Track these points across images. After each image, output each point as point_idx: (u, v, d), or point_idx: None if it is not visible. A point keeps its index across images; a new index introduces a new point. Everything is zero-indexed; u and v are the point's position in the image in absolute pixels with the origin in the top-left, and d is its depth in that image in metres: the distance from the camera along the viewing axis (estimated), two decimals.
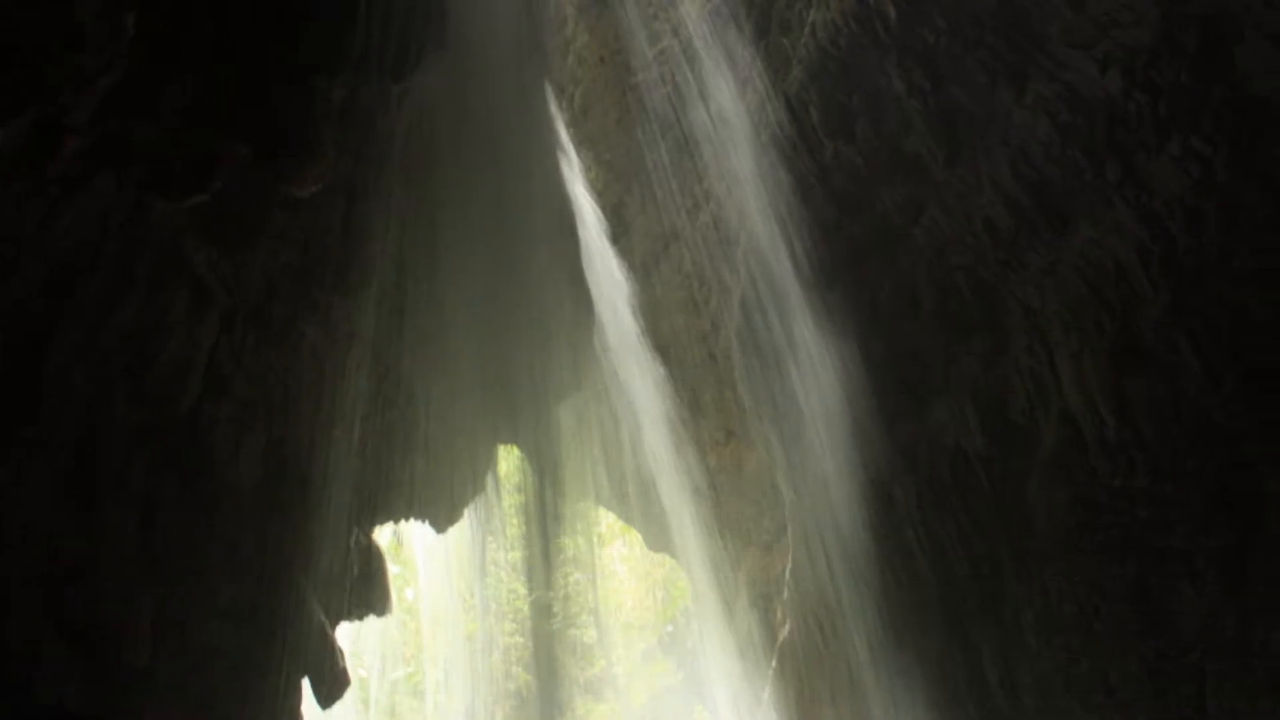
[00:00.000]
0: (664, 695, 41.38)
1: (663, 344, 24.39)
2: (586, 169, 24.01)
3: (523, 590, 33.15)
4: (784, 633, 22.78)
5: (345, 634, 22.97)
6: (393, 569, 24.06)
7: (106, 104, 13.69)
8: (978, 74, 16.67)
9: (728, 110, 21.68)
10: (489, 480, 23.66)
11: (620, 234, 24.49)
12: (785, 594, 22.67)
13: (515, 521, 26.78)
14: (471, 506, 23.87)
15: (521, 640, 35.40)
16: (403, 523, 23.77)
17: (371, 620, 23.08)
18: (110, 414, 15.40)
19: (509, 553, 31.00)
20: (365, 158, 18.07)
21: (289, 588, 18.15)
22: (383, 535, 24.91)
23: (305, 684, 19.10)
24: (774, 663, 23.09)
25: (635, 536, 32.99)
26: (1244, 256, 14.45)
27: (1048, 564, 16.89)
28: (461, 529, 25.11)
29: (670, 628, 43.10)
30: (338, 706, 20.40)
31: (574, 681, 36.79)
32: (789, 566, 22.26)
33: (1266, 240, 14.27)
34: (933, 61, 17.26)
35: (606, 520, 36.03)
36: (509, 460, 26.01)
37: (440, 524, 23.68)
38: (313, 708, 19.66)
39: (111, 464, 15.43)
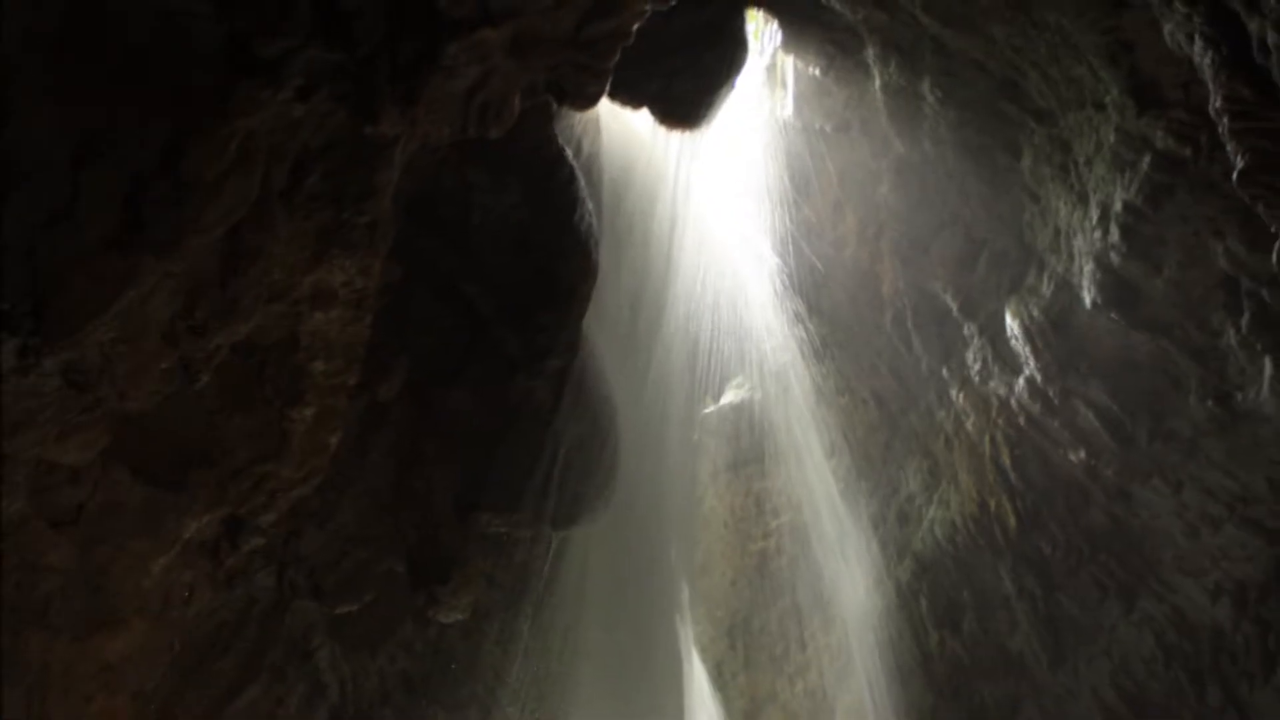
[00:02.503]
0: None
1: None
2: (696, 622, 24.70)
3: None
4: None
5: None
6: None
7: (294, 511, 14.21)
8: (1089, 587, 17.33)
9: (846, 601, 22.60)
10: None
11: (719, 687, 24.94)
12: None
13: None
14: None
15: None
16: None
17: None
18: None
19: None
20: (499, 584, 18.76)
21: None
22: None
23: None
24: None
25: None
26: None
27: None
28: None
29: None
30: None
31: None
32: None
33: None
34: (1046, 570, 17.96)
35: None
36: None
37: None
38: None
39: None
